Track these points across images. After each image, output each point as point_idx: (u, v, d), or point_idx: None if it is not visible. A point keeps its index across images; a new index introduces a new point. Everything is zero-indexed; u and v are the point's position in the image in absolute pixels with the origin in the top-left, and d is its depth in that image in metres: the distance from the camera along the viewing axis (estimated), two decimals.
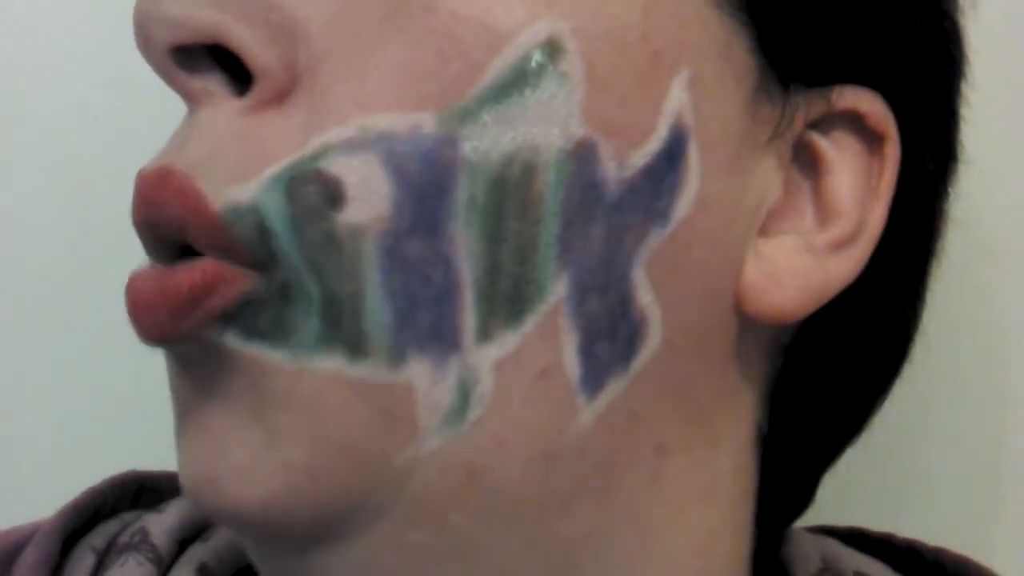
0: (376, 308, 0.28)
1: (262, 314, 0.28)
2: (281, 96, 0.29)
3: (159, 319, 0.29)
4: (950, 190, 0.36)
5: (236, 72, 0.29)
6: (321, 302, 0.28)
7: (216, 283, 0.28)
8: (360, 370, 0.28)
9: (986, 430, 0.51)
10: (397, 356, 0.28)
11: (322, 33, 0.29)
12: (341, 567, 0.30)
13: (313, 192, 0.28)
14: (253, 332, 0.28)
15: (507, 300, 0.28)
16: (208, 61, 0.30)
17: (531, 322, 0.29)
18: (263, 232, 0.28)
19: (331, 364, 0.28)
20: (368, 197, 0.28)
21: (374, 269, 0.28)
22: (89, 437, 0.53)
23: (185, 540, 0.39)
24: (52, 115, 0.53)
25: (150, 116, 0.38)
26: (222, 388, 0.29)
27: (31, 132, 0.53)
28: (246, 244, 0.28)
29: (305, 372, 0.28)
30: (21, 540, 0.39)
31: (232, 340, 0.29)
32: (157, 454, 0.40)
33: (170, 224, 0.29)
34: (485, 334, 0.28)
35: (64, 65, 0.53)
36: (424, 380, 0.28)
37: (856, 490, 0.44)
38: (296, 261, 0.28)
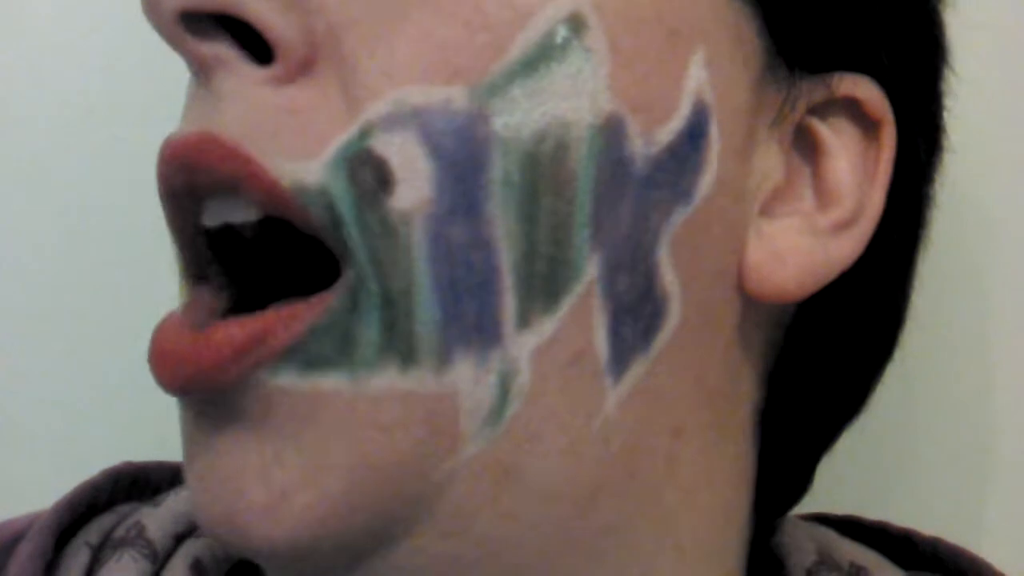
0: (426, 304, 0.27)
1: (329, 336, 0.27)
2: (305, 67, 0.28)
3: (188, 373, 0.28)
4: (936, 175, 0.36)
5: (244, 40, 0.29)
6: (380, 304, 0.27)
7: (264, 335, 0.27)
8: (410, 380, 0.28)
9: (980, 419, 0.52)
10: (443, 358, 0.28)
11: (339, 3, 0.28)
12: None
13: (369, 175, 0.27)
14: (314, 362, 0.28)
15: (544, 283, 0.28)
16: (216, 27, 0.29)
17: (566, 305, 0.28)
18: (335, 218, 0.27)
19: (385, 379, 0.28)
20: (413, 178, 0.27)
21: (423, 259, 0.27)
22: (88, 433, 0.53)
23: (181, 535, 0.38)
24: (51, 114, 0.54)
25: (149, 116, 0.38)
26: (252, 425, 0.28)
27: (30, 132, 0.54)
28: (323, 230, 0.27)
29: (360, 394, 0.28)
30: (17, 534, 0.38)
31: (285, 377, 0.28)
32: (155, 448, 0.41)
33: (219, 186, 0.28)
34: (524, 321, 0.28)
35: (64, 65, 0.54)
36: (467, 381, 0.28)
37: (850, 477, 0.44)
38: (362, 253, 0.27)
